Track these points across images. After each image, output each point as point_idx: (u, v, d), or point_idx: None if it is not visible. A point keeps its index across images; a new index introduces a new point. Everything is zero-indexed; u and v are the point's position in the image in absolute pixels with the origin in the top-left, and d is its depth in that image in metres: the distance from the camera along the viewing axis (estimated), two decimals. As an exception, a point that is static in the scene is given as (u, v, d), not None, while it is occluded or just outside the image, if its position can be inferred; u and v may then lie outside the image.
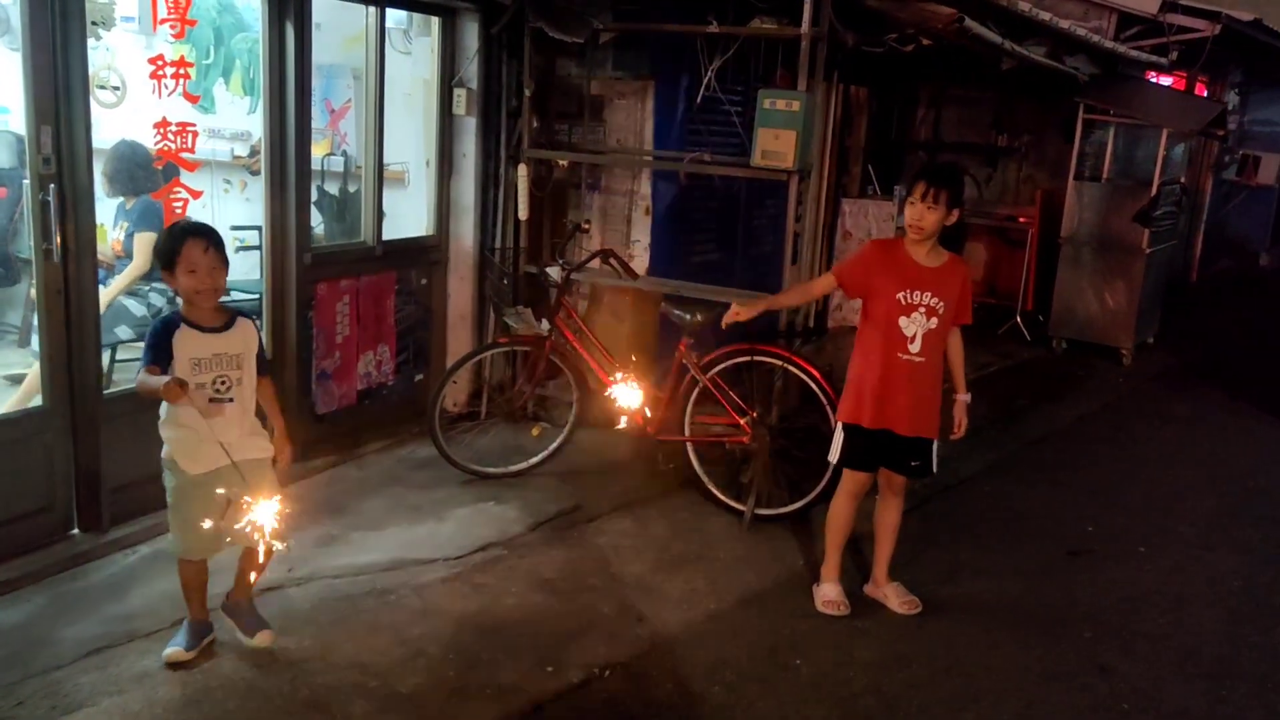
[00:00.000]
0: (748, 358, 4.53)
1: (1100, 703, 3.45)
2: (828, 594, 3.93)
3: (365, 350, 5.49)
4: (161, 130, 4.34)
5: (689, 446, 4.77)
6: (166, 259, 3.08)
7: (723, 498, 4.71)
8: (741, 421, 4.58)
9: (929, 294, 3.60)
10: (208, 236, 3.08)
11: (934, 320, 3.61)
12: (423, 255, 5.81)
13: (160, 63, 4.29)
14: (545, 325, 4.82)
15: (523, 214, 5.76)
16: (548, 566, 4.18)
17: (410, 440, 5.56)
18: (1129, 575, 4.40)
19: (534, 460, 5.13)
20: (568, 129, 6.05)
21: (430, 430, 4.95)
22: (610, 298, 5.81)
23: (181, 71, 4.37)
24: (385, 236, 5.47)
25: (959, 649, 3.70)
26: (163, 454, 3.26)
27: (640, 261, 5.85)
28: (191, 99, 4.55)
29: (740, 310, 3.94)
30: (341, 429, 5.38)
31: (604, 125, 6.07)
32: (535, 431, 5.32)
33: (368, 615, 3.72)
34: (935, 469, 3.79)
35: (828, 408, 4.39)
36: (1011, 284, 9.21)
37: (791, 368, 4.46)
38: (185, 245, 3.03)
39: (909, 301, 3.61)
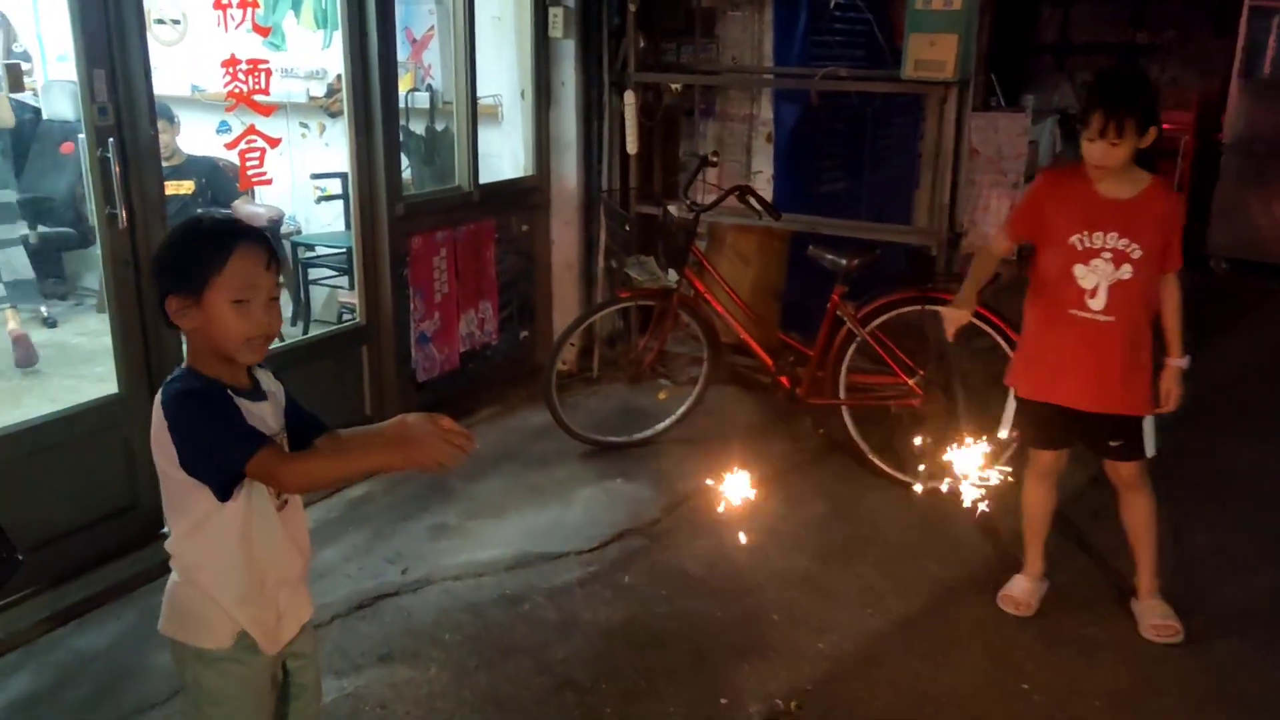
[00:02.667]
0: (917, 306, 3.85)
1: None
2: (1011, 589, 3.30)
3: (466, 308, 4.93)
4: (231, 70, 3.77)
5: (845, 410, 4.13)
6: (190, 277, 1.78)
7: (886, 468, 4.08)
8: (910, 382, 3.91)
9: (1115, 235, 2.87)
10: (266, 245, 1.84)
11: (1125, 268, 2.88)
12: (522, 199, 5.20)
13: (226, -10, 3.70)
14: (673, 275, 4.19)
15: (631, 147, 5.10)
16: (697, 560, 3.62)
17: (520, 405, 5.02)
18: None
19: (661, 426, 4.55)
20: (675, 48, 5.35)
21: (546, 398, 4.39)
22: (734, 239, 5.15)
23: (249, 0, 3.77)
24: (482, 180, 4.87)
25: (1219, 669, 3.04)
26: (191, 633, 1.90)
27: (764, 195, 5.17)
28: (262, 32, 3.97)
29: (958, 314, 3.20)
30: (445, 396, 4.85)
31: (717, 42, 5.36)
32: (662, 395, 4.73)
33: (499, 632, 3.19)
34: (1150, 450, 3.05)
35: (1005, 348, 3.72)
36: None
37: (974, 319, 3.76)
38: (235, 256, 1.78)
39: (1087, 245, 2.90)
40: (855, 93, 5.13)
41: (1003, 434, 3.21)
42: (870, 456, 4.10)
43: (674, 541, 3.75)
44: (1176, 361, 3.03)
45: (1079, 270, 2.93)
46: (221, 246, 1.79)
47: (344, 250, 5.73)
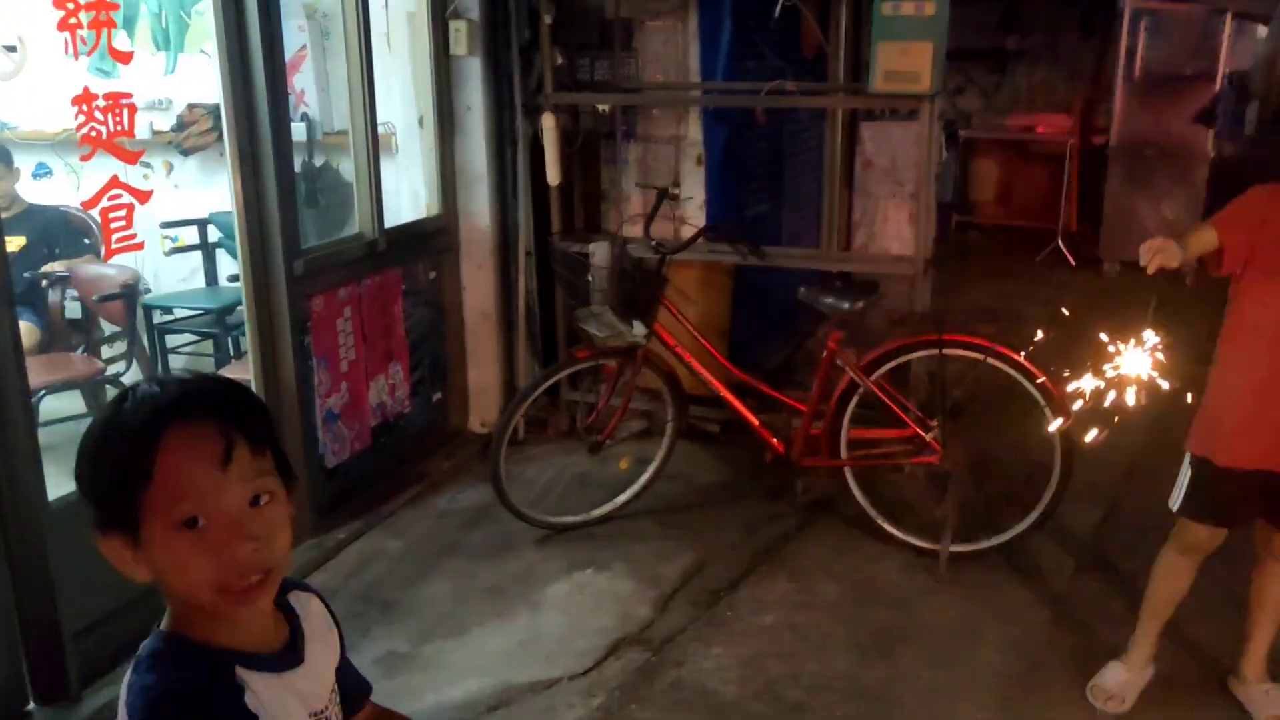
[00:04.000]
0: (934, 350, 3.39)
1: None
2: (1108, 680, 2.85)
3: (375, 374, 4.18)
4: (85, 106, 2.93)
5: (848, 472, 3.63)
6: (112, 502, 1.08)
7: (901, 534, 3.60)
8: (927, 437, 3.45)
9: None
10: (218, 413, 1.09)
11: None
12: (428, 242, 4.48)
13: (73, 5, 2.86)
14: (639, 328, 3.59)
15: (553, 178, 4.47)
16: (720, 676, 3.03)
17: (444, 481, 4.32)
18: None
19: (622, 499, 3.94)
20: (589, 64, 4.75)
21: (494, 481, 3.71)
22: (674, 277, 4.59)
23: (104, 18, 2.94)
24: (383, 223, 4.13)
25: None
26: None
27: (695, 221, 4.64)
28: (122, 58, 3.12)
29: (1171, 250, 2.43)
30: (360, 481, 4.10)
31: (636, 56, 4.79)
32: (624, 464, 4.12)
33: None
34: None
35: (1047, 410, 3.31)
36: (1034, 203, 8.26)
37: (996, 361, 3.33)
38: (162, 450, 1.06)
39: None
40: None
41: (1174, 505, 2.71)
42: (880, 522, 3.61)
43: (682, 650, 3.16)
44: None
45: None
46: (141, 439, 1.06)
47: (207, 312, 4.87)
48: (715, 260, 4.24)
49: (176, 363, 5.03)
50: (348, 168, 4.54)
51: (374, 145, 4.00)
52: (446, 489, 4.28)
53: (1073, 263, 7.66)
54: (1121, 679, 2.84)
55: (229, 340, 4.73)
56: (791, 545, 3.75)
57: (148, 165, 4.93)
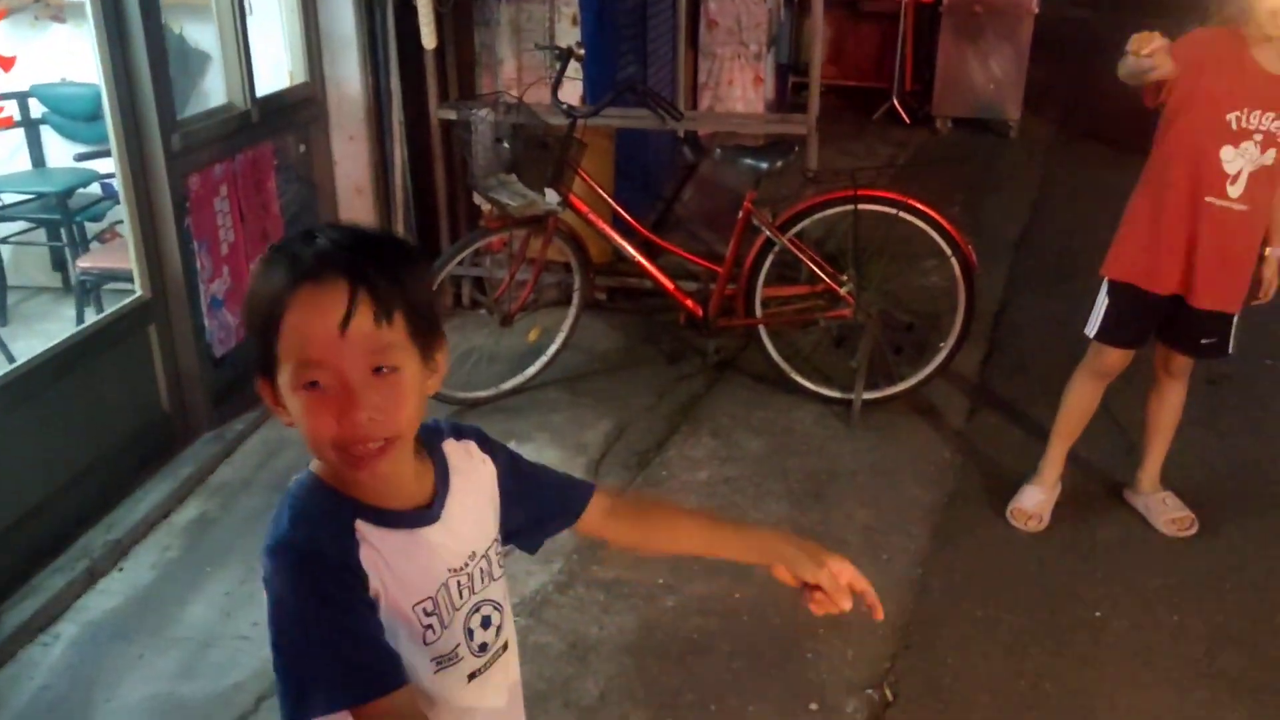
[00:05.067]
0: (849, 206, 3.47)
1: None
2: (1025, 502, 3.10)
3: (254, 256, 3.92)
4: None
5: (763, 330, 3.71)
6: (259, 344, 1.08)
7: (815, 387, 3.74)
8: (841, 291, 3.56)
9: (1272, 115, 2.57)
10: (349, 271, 1.04)
11: (1270, 153, 2.60)
12: (296, 113, 4.17)
13: None
14: (551, 196, 3.50)
15: (429, 41, 4.21)
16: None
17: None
18: None
19: (531, 371, 3.91)
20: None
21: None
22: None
23: None
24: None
25: (1239, 552, 3.01)
26: None
27: (572, 89, 4.51)
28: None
29: (1158, 40, 2.46)
30: (246, 370, 3.88)
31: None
32: (533, 335, 4.06)
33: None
34: (1232, 348, 2.89)
35: (955, 263, 3.47)
36: (868, 63, 8.46)
37: (908, 214, 3.45)
38: (293, 304, 1.04)
39: (1243, 125, 2.58)
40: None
41: (1090, 331, 2.90)
42: (794, 376, 3.73)
43: (626, 512, 3.21)
44: (1278, 251, 2.83)
45: (1227, 153, 2.60)
46: (273, 296, 1.05)
47: (41, 196, 4.40)
48: (625, 124, 4.16)
49: (5, 253, 4.55)
50: (193, 33, 4.16)
51: (239, 4, 3.65)
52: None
53: (908, 121, 7.92)
54: (1038, 499, 3.10)
55: (75, 227, 4.31)
56: (705, 404, 3.83)
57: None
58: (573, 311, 3.92)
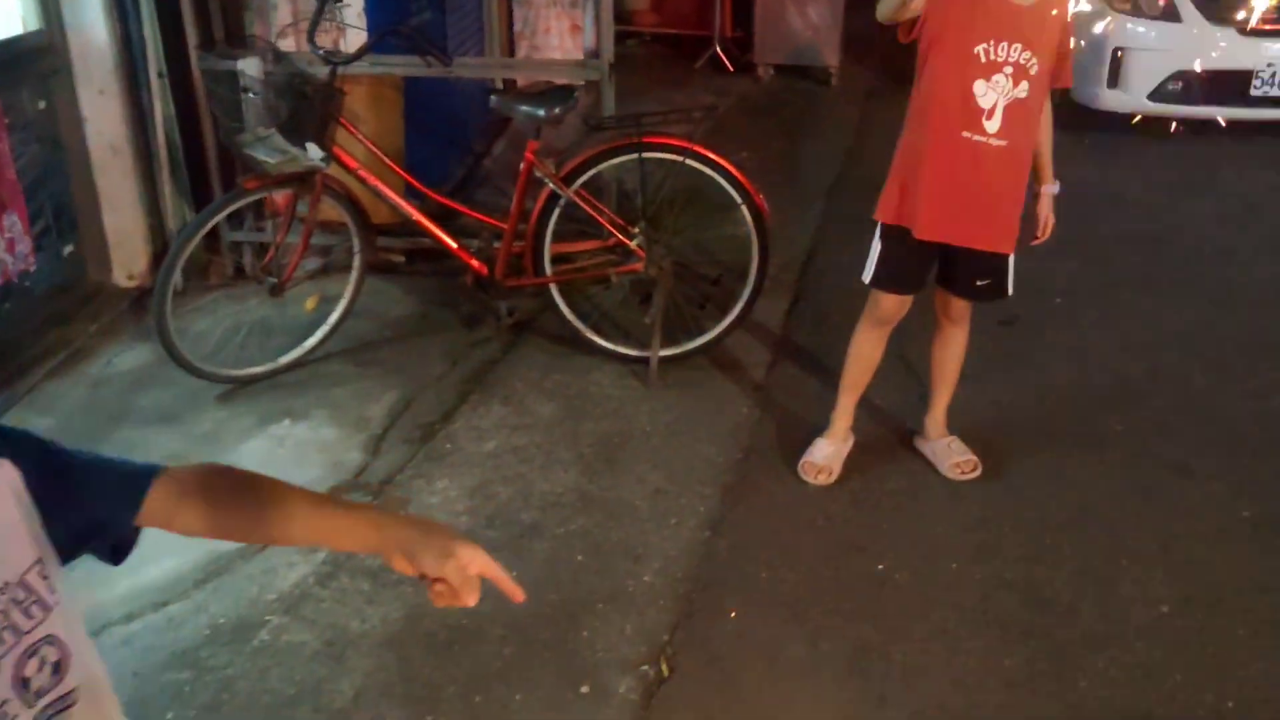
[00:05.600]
0: (634, 155, 3.30)
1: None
2: (815, 455, 3.04)
3: (-11, 227, 3.52)
4: None
5: (554, 289, 3.53)
6: None
7: (605, 344, 3.58)
8: (631, 244, 3.40)
9: (1020, 46, 2.50)
10: None
11: (1023, 85, 2.54)
12: (30, 64, 3.75)
13: None
14: (315, 151, 3.22)
15: (181, -21, 3.84)
16: (449, 509, 2.92)
17: (95, 346, 3.79)
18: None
19: (310, 343, 3.63)
20: None
21: (161, 337, 3.28)
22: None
23: None
24: (-30, 41, 3.39)
25: (1019, 492, 3.02)
26: None
27: (354, 35, 4.20)
28: None
29: None
30: (-14, 356, 3.50)
31: None
32: (311, 303, 3.77)
33: (245, 685, 2.31)
34: (1011, 290, 2.86)
35: (746, 211, 3.36)
36: (689, 10, 8.31)
37: (695, 162, 3.31)
38: None
39: (992, 58, 2.51)
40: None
41: (866, 277, 2.82)
42: (589, 336, 3.57)
43: (405, 489, 3.01)
44: (1049, 188, 2.79)
45: (979, 87, 2.52)
46: None
47: None
48: (390, 72, 3.87)
49: None
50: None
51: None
52: (99, 354, 3.75)
53: (730, 69, 7.82)
54: (827, 452, 3.03)
55: None
56: (500, 369, 3.64)
57: None
58: (354, 276, 3.65)
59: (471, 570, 1.09)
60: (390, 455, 3.16)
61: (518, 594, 1.13)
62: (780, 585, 2.65)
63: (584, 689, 2.32)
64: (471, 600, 1.09)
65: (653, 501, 2.96)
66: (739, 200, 3.33)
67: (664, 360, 3.53)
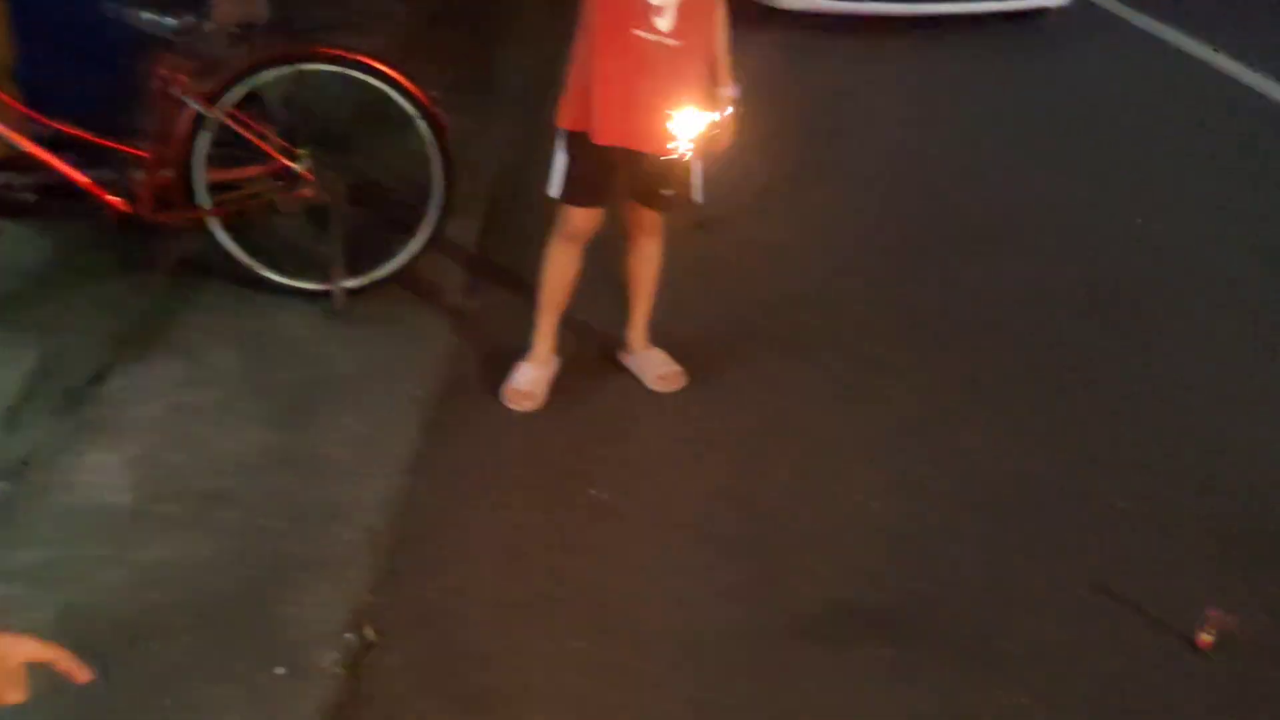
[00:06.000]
0: (290, 67, 2.93)
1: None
2: (518, 381, 2.90)
3: None
4: None
5: (214, 222, 3.13)
6: None
7: (284, 280, 3.24)
8: (297, 168, 3.06)
9: None
10: None
11: None
12: None
13: None
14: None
15: None
16: (110, 485, 2.53)
17: None
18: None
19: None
20: None
21: None
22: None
23: None
24: None
25: (721, 403, 3.00)
26: None
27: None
28: None
29: None
30: None
31: None
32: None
33: None
34: (700, 196, 2.77)
35: (422, 125, 3.10)
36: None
37: (361, 75, 2.99)
38: None
39: None
40: None
41: (553, 191, 2.65)
42: (262, 272, 3.21)
43: (49, 470, 2.58)
44: (729, 90, 2.67)
45: None
46: None
47: None
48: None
49: None
50: None
51: None
52: None
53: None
54: (531, 376, 2.90)
55: None
56: (166, 319, 3.21)
57: None
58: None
59: (11, 662, 0.86)
60: (30, 430, 2.70)
61: (81, 674, 0.91)
62: (493, 525, 2.51)
63: (280, 670, 2.08)
64: (16, 698, 0.86)
65: (353, 450, 2.71)
66: (414, 114, 3.07)
67: (352, 293, 3.24)
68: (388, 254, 3.32)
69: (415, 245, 3.27)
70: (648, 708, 2.08)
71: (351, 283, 3.23)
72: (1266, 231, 4.21)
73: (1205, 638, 2.26)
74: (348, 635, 2.17)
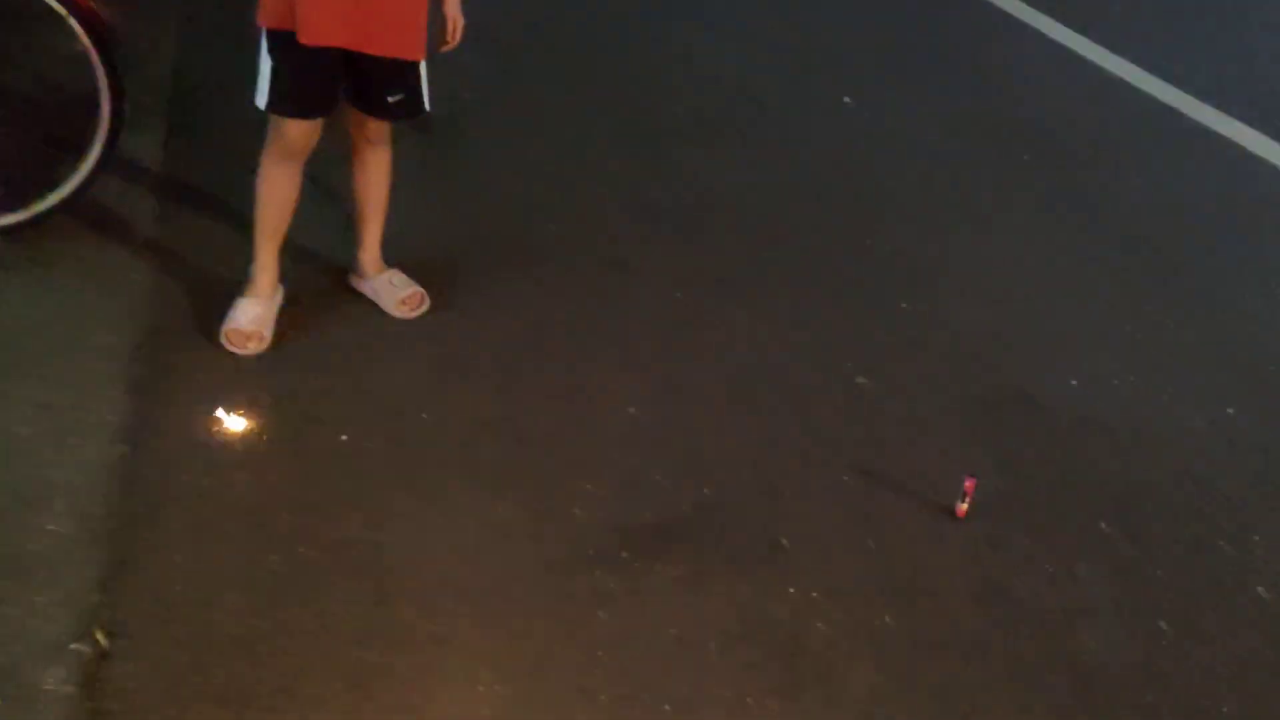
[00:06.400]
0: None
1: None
2: (239, 320, 2.54)
3: None
4: None
5: None
6: None
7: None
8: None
9: None
10: None
11: None
12: None
13: None
14: None
15: None
16: None
17: None
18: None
19: None
20: None
21: None
22: None
23: None
24: None
25: (460, 329, 2.78)
26: None
27: None
28: None
29: None
30: None
31: None
32: None
33: None
34: (429, 104, 2.48)
35: (75, 24, 2.59)
36: None
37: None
38: None
39: None
40: None
41: (260, 101, 2.29)
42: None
43: None
44: None
45: None
46: None
47: None
48: None
49: None
50: None
51: None
52: None
53: None
54: (254, 313, 2.56)
55: None
56: None
57: None
58: None
59: None
60: None
61: None
62: (231, 490, 2.21)
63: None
64: None
65: (44, 422, 2.29)
66: (62, 11, 2.56)
67: (10, 231, 2.73)
68: (51, 181, 2.80)
69: (86, 167, 2.77)
70: (439, 672, 1.92)
71: (11, 218, 2.72)
72: (957, 105, 4.46)
73: (962, 507, 2.39)
74: (74, 646, 1.84)
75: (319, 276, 2.84)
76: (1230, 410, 2.89)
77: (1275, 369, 3.12)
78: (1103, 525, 2.47)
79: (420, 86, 2.46)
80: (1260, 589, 2.35)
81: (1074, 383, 2.93)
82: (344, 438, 2.37)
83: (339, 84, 2.41)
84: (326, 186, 2.90)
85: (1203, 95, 4.68)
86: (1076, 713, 2.04)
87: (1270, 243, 3.85)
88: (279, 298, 2.65)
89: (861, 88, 4.47)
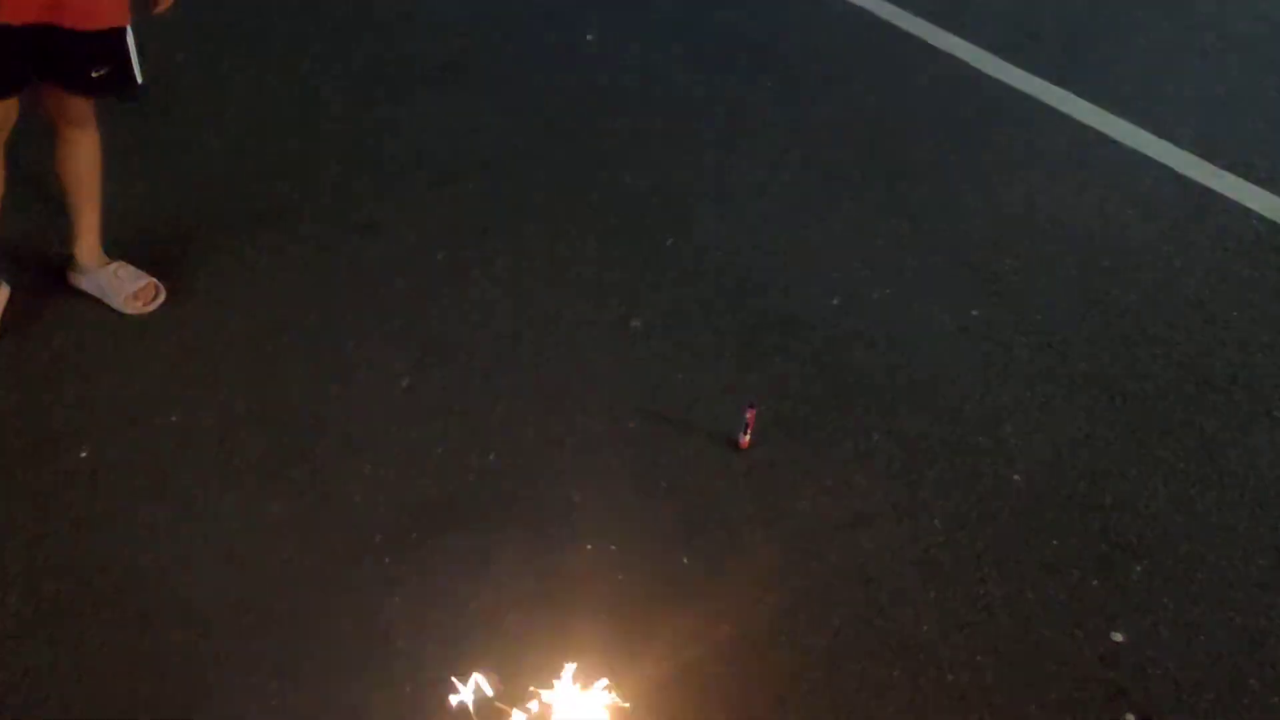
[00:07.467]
0: None
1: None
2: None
3: None
4: None
5: None
6: None
7: None
8: None
9: None
10: None
11: None
12: None
13: None
14: None
15: None
16: None
17: None
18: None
19: None
20: None
21: None
22: None
23: None
24: None
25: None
26: None
27: None
28: None
29: None
30: None
31: None
32: None
33: None
34: (140, 75, 2.22)
35: None
36: None
37: None
38: None
39: None
40: None
41: None
42: None
43: None
44: None
45: None
46: None
47: None
48: None
49: None
50: None
51: None
52: None
53: None
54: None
55: None
56: None
57: None
58: None
59: None
60: None
61: None
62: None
63: None
64: None
65: None
66: None
67: None
68: None
69: None
70: (221, 692, 1.78)
71: None
72: (689, 37, 4.47)
73: (745, 438, 2.43)
74: None
75: (33, 277, 2.54)
76: (975, 312, 3.06)
77: (1007, 265, 3.32)
78: (875, 436, 2.57)
79: (128, 56, 2.23)
80: (1016, 477, 2.52)
81: (835, 301, 3.02)
82: (83, 454, 2.15)
83: (30, 60, 2.13)
84: (30, 174, 2.58)
85: (927, 15, 4.87)
86: (872, 616, 2.13)
87: (987, 146, 4.07)
88: (4, 295, 2.36)
89: (601, 24, 4.41)
